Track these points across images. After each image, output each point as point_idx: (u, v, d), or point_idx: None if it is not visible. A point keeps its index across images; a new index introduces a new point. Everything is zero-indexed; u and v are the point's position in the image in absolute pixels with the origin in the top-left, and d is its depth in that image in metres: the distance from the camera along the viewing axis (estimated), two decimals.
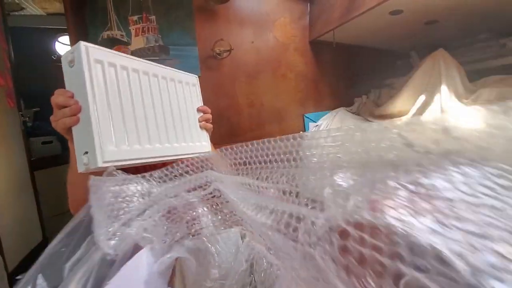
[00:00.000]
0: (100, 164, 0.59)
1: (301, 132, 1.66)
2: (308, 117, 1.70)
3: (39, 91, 2.61)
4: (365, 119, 1.60)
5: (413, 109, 1.30)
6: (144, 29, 1.35)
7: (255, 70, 1.59)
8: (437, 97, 1.22)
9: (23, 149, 1.91)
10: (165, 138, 0.79)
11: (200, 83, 1.51)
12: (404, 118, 1.35)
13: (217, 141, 1.51)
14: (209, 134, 0.96)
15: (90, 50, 0.60)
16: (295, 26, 1.67)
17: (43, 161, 2.20)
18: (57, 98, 0.61)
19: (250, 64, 1.58)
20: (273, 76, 1.63)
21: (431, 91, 1.29)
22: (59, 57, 2.90)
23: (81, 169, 0.61)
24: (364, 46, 1.81)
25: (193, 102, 0.92)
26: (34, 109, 2.61)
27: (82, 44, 0.60)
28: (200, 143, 0.91)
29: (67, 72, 0.62)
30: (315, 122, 1.68)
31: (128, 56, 0.72)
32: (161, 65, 0.82)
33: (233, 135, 1.56)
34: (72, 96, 0.61)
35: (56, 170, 2.34)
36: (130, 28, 1.34)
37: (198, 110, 0.92)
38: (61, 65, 0.65)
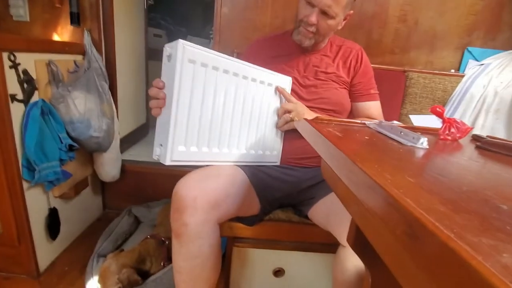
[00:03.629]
0: (168, 163, 0.65)
1: (452, 70, 1.30)
2: (470, 52, 1.30)
3: None
4: None
5: None
6: None
7: None
8: None
9: (143, 33, 1.96)
10: (235, 143, 0.78)
11: None
12: None
13: None
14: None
15: (186, 50, 0.62)
16: None
17: (153, 52, 2.27)
18: (151, 90, 0.65)
19: None
20: None
21: None
22: None
23: (154, 157, 0.68)
24: None
25: (277, 106, 0.85)
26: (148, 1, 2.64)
27: (181, 43, 0.61)
28: (270, 153, 0.87)
29: (165, 64, 0.65)
30: (479, 61, 1.27)
31: (223, 56, 0.70)
32: (255, 66, 0.78)
33: (369, 54, 1.28)
34: (163, 87, 0.64)
35: (160, 66, 2.43)
36: None
37: (279, 116, 0.84)
38: None
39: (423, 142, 0.56)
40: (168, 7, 2.76)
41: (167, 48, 0.63)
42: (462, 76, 1.21)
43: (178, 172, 1.45)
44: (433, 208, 0.27)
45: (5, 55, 0.86)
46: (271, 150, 0.87)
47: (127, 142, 1.71)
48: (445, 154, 0.54)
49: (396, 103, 1.25)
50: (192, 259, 0.68)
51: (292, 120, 0.81)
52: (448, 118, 0.71)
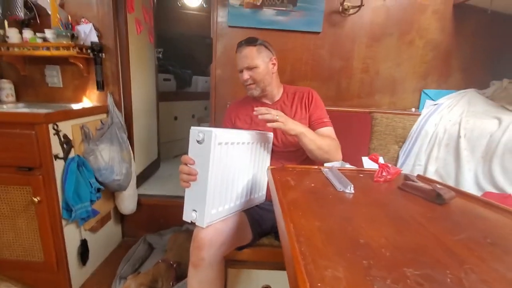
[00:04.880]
0: (205, 225, 0.81)
1: (413, 109, 1.53)
2: (426, 94, 1.53)
3: (163, 34, 3.00)
4: (502, 106, 1.35)
5: None
6: None
7: (380, 32, 1.47)
8: None
9: (154, 81, 2.29)
10: (241, 194, 0.95)
11: (318, 41, 1.50)
12: None
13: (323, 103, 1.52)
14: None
15: (217, 137, 0.75)
16: None
17: (163, 95, 2.60)
18: (183, 168, 0.81)
19: (376, 24, 1.47)
20: (398, 41, 1.48)
21: None
22: (183, 5, 3.16)
23: (186, 219, 0.82)
24: None
25: (264, 156, 1.04)
26: (158, 49, 3.00)
27: (214, 133, 0.74)
28: (261, 193, 1.06)
29: (195, 145, 0.77)
30: (435, 100, 1.50)
31: (237, 131, 0.89)
32: (252, 131, 0.97)
33: (340, 99, 1.54)
34: (193, 164, 0.79)
35: (169, 105, 2.75)
36: None
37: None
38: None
39: (350, 187, 0.79)
40: (174, 52, 3.13)
41: (200, 134, 0.76)
42: (419, 115, 1.44)
43: None
44: (314, 245, 0.49)
45: (50, 126, 1.14)
46: (261, 191, 1.08)
47: (142, 178, 1.98)
48: (363, 197, 0.75)
49: (365, 140, 1.48)
50: (204, 282, 0.89)
51: (277, 120, 0.92)
52: (381, 164, 0.94)
